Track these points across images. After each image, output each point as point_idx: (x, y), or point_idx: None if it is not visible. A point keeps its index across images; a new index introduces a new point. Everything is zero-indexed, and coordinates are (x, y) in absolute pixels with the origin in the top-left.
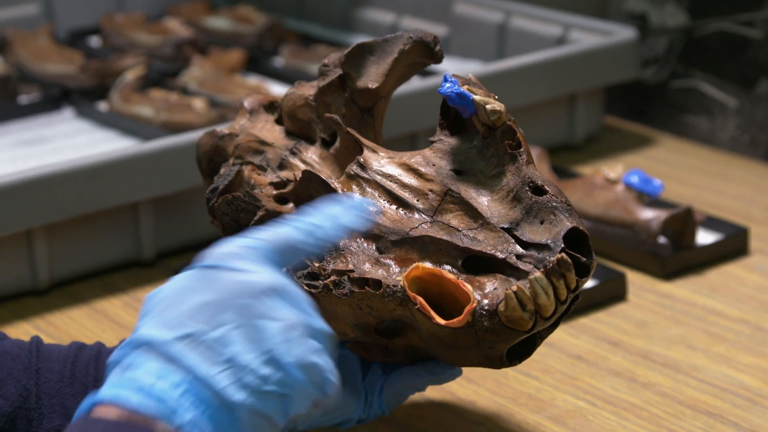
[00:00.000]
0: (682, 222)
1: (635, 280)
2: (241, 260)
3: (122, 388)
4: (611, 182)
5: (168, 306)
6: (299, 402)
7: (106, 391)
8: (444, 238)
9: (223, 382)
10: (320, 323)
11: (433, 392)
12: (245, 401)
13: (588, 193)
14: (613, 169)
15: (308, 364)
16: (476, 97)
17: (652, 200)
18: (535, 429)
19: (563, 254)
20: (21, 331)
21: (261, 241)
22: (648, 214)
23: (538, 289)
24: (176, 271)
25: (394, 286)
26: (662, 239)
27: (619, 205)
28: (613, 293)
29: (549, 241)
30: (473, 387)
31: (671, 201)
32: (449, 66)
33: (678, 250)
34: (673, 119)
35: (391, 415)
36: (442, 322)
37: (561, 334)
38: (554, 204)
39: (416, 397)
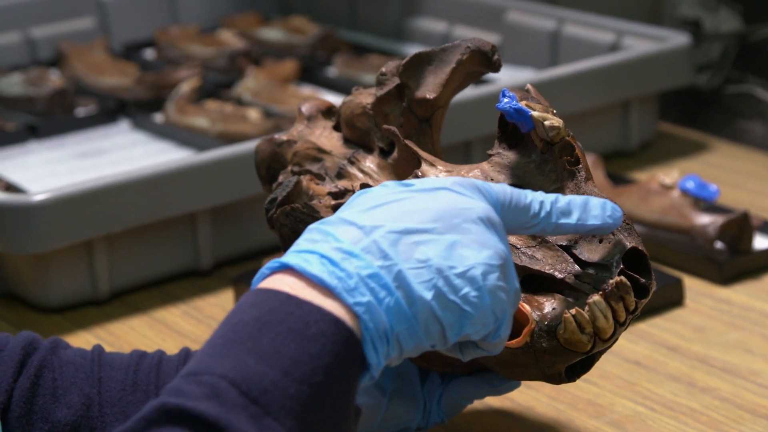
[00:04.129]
0: (739, 227)
1: (692, 285)
2: (464, 188)
3: (308, 256)
4: (667, 188)
5: (377, 204)
6: (474, 326)
7: (293, 256)
8: None
9: (415, 276)
10: (514, 272)
11: (492, 398)
12: (430, 301)
13: (644, 199)
14: (669, 174)
15: (498, 296)
16: (534, 113)
17: (708, 205)
18: None
19: (622, 277)
20: (82, 340)
21: (492, 187)
22: (704, 219)
23: (597, 312)
24: (234, 281)
25: None
26: (719, 244)
27: (675, 211)
28: (670, 298)
29: (608, 261)
30: (532, 393)
31: (727, 206)
32: (502, 74)
33: (735, 254)
34: (727, 125)
35: (450, 421)
36: None
37: (619, 340)
38: None
39: (476, 403)
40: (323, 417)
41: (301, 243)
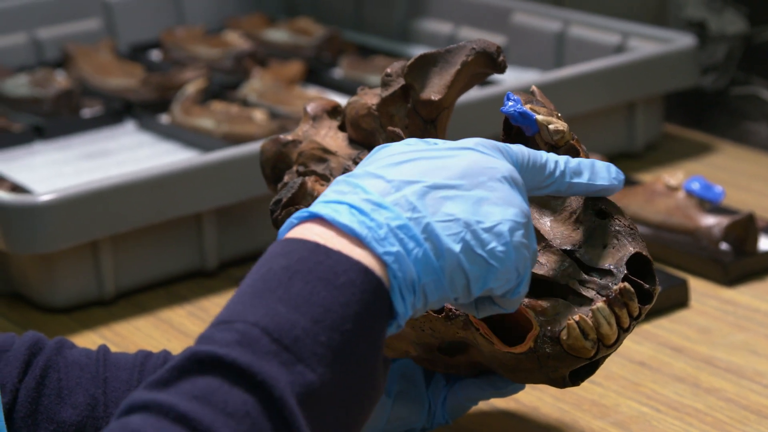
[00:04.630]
0: (744, 228)
1: (697, 286)
2: (487, 148)
3: (338, 206)
4: (672, 189)
5: (403, 159)
6: (498, 281)
7: (321, 206)
8: None
9: (443, 229)
10: (534, 231)
11: (497, 399)
12: (457, 254)
13: (649, 200)
14: (674, 176)
15: (522, 252)
16: (539, 117)
17: (714, 207)
18: None
19: (626, 284)
20: (88, 340)
21: (510, 147)
22: (709, 220)
23: (600, 319)
24: (239, 281)
25: (456, 310)
26: (724, 245)
27: (681, 212)
28: (675, 300)
29: (612, 267)
30: (537, 393)
31: (732, 207)
32: (508, 75)
33: (740, 256)
34: (732, 126)
35: (456, 422)
36: (504, 348)
37: (624, 341)
38: (617, 228)
39: (480, 404)
40: (353, 364)
41: (329, 194)
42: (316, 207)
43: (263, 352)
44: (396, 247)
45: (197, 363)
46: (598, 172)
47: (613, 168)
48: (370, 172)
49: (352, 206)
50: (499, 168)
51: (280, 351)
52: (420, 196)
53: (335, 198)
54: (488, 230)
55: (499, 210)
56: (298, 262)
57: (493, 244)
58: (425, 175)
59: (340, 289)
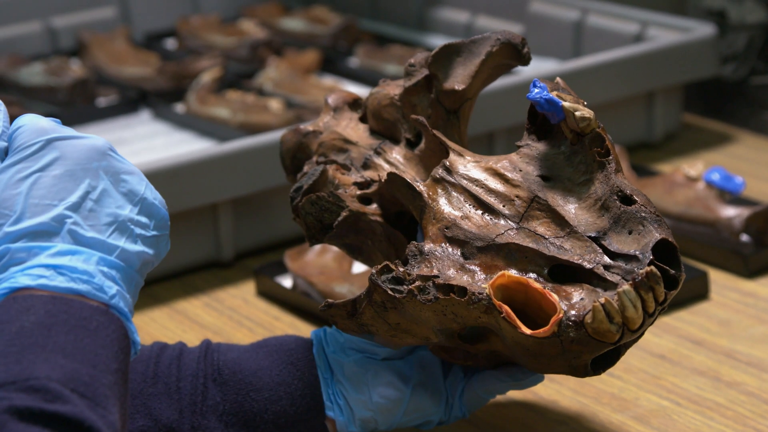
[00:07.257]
0: (765, 219)
1: (717, 278)
2: (68, 129)
3: (40, 272)
4: (692, 180)
5: (26, 192)
6: (164, 239)
7: (20, 279)
8: (530, 245)
9: (119, 240)
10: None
11: (515, 392)
12: (142, 251)
13: (668, 191)
14: (694, 166)
15: (161, 201)
16: (565, 104)
17: (734, 198)
18: (619, 428)
19: (652, 267)
20: None
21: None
22: (730, 211)
23: (626, 302)
24: (255, 272)
25: (479, 293)
26: (744, 237)
27: (701, 203)
28: (695, 292)
29: (637, 253)
30: (555, 386)
31: (753, 198)
32: None
33: (761, 247)
34: (753, 116)
35: (473, 415)
36: (528, 332)
37: (644, 334)
38: (643, 214)
39: (499, 396)
40: (126, 398)
41: (14, 270)
42: (18, 282)
43: (71, 401)
44: (113, 288)
45: (17, 414)
46: None
47: None
48: (19, 231)
49: (51, 269)
50: (97, 145)
51: (81, 399)
52: (84, 223)
53: (30, 263)
54: (141, 213)
55: (130, 188)
56: (47, 316)
57: (153, 221)
58: (59, 199)
59: (96, 333)
